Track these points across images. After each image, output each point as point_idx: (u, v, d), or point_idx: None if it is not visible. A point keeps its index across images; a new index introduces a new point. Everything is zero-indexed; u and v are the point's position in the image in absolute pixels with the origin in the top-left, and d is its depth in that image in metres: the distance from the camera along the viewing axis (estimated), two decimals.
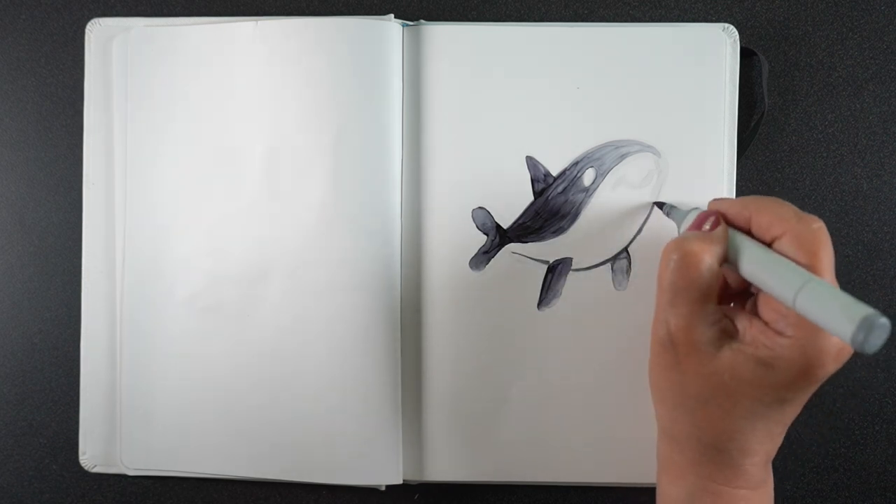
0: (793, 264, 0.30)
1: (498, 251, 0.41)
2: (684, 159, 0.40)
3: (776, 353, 0.30)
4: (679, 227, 0.37)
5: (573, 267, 0.41)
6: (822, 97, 0.43)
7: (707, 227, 0.33)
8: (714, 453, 0.32)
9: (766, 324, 0.31)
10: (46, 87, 0.44)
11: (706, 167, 0.40)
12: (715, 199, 0.35)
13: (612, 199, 0.41)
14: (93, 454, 0.43)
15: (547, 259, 0.41)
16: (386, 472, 0.40)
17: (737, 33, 0.41)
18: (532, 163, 0.41)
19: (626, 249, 0.41)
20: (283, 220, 0.40)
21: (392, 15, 0.41)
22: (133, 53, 0.42)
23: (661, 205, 0.40)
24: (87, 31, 0.42)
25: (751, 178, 0.43)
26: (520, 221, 0.41)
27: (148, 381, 0.41)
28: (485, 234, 0.41)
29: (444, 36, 0.41)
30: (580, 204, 0.41)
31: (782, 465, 0.43)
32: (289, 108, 0.40)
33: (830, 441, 0.43)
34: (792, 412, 0.32)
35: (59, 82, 0.44)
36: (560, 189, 0.41)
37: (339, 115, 0.40)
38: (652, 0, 0.43)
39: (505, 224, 0.41)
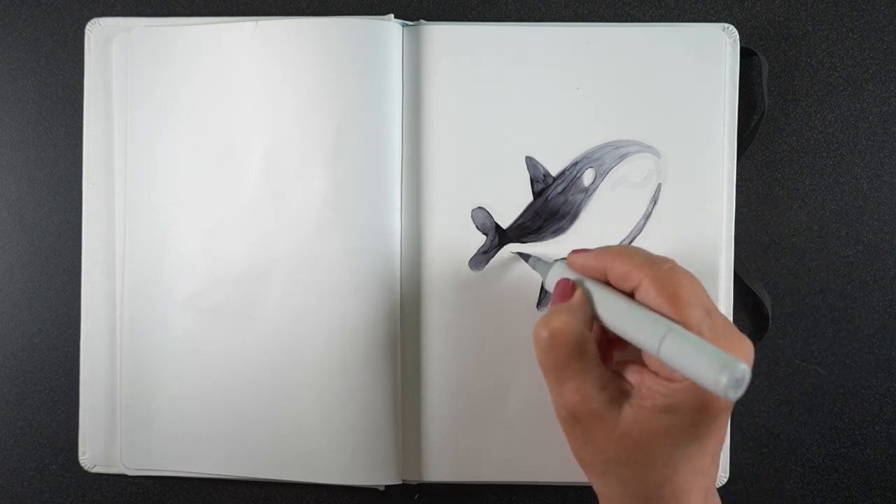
0: (651, 314, 0.30)
1: (497, 251, 0.41)
2: (684, 159, 0.40)
3: (673, 400, 0.29)
4: (543, 279, 0.37)
5: None
6: (822, 97, 0.43)
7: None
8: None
9: (655, 373, 0.30)
10: (46, 87, 0.44)
11: (706, 167, 0.40)
12: (574, 251, 0.35)
13: (611, 199, 0.41)
14: (93, 454, 0.43)
15: (547, 259, 0.41)
16: (386, 472, 0.40)
17: (737, 33, 0.41)
18: (532, 163, 0.41)
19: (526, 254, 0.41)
20: (283, 220, 0.40)
21: (392, 15, 0.41)
22: (133, 53, 0.42)
23: (525, 256, 0.40)
24: (87, 31, 0.42)
25: (751, 178, 0.43)
26: (519, 221, 0.41)
27: (148, 381, 0.41)
28: (484, 234, 0.41)
29: (444, 36, 0.41)
30: (580, 204, 0.41)
31: (782, 465, 0.43)
32: (289, 107, 0.40)
33: (830, 441, 0.43)
34: (714, 442, 0.31)
35: (59, 82, 0.44)
36: (560, 189, 0.41)
37: (338, 115, 0.40)
38: (652, 0, 0.43)
39: (504, 224, 0.41)
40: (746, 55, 0.41)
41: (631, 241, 0.41)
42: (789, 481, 0.43)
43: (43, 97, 0.44)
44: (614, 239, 0.41)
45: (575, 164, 0.41)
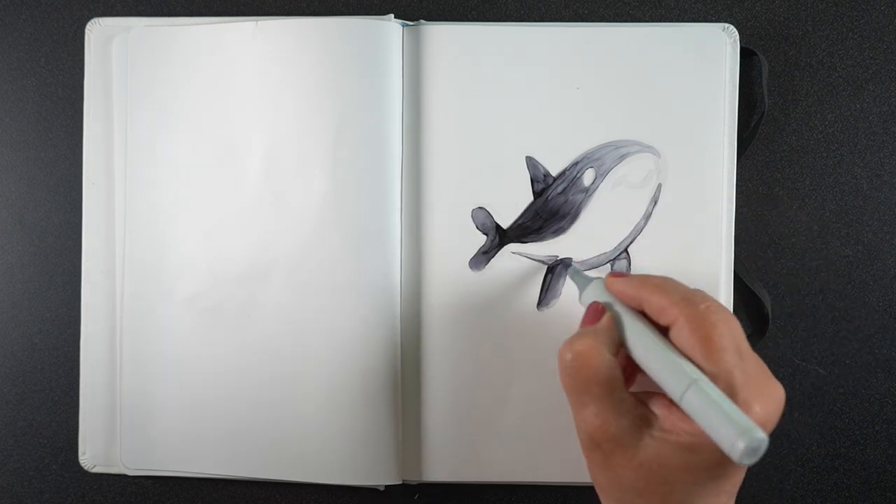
0: (679, 360, 0.29)
1: (498, 251, 0.41)
2: (684, 159, 0.40)
3: (698, 440, 0.29)
4: (580, 293, 0.37)
5: (573, 267, 0.41)
6: (822, 97, 0.43)
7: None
8: None
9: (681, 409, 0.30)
10: (46, 87, 0.44)
11: (706, 167, 0.40)
12: (611, 274, 0.34)
13: (611, 199, 0.41)
14: (93, 454, 0.43)
15: (547, 259, 0.41)
16: (386, 472, 0.40)
17: (737, 33, 0.41)
18: (532, 163, 0.41)
19: (626, 250, 0.41)
20: (283, 220, 0.40)
21: (392, 15, 0.41)
22: (133, 53, 0.42)
23: (565, 264, 0.40)
24: (87, 31, 0.42)
25: (751, 178, 0.43)
26: (519, 221, 0.41)
27: (148, 381, 0.41)
28: (484, 234, 0.41)
29: (444, 36, 0.41)
30: (580, 204, 0.41)
31: (782, 465, 0.43)
32: (289, 108, 0.40)
33: (830, 441, 0.43)
34: (731, 483, 0.31)
35: (59, 82, 0.44)
36: (560, 189, 0.41)
37: (338, 115, 0.40)
38: (652, 0, 0.43)
39: (505, 224, 0.41)
40: (746, 55, 0.41)
41: (631, 242, 0.41)
42: (789, 481, 0.43)
43: (43, 97, 0.44)
44: (614, 238, 0.41)
45: (575, 164, 0.41)
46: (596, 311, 0.33)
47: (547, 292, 0.41)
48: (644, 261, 0.40)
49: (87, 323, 0.42)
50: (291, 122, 0.40)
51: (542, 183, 0.41)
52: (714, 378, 0.28)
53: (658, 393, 0.31)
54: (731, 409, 0.27)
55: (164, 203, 0.41)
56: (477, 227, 0.41)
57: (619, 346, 0.32)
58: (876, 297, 0.42)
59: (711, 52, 0.40)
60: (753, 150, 0.43)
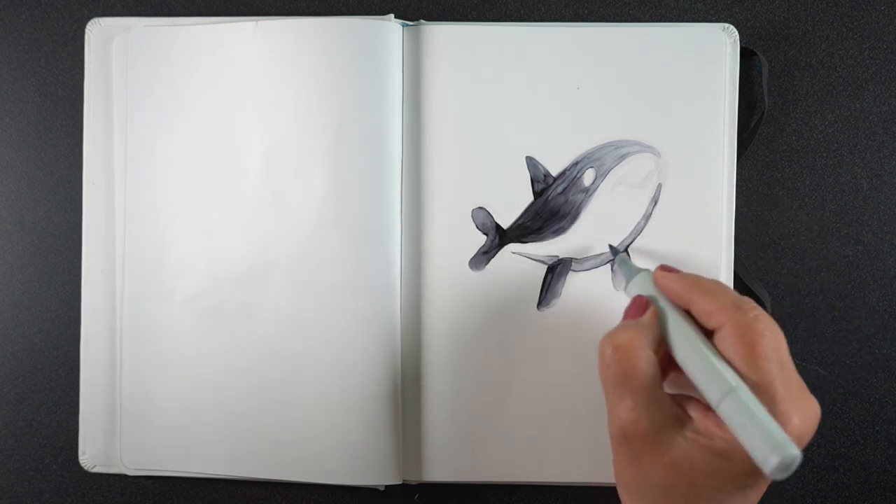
0: (720, 365, 0.29)
1: (498, 251, 0.41)
2: (684, 159, 0.40)
3: (731, 447, 0.29)
4: (625, 283, 0.36)
5: (573, 267, 0.41)
6: (822, 97, 0.43)
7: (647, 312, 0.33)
8: None
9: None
10: (46, 87, 0.44)
11: (706, 167, 0.40)
12: (661, 268, 0.34)
13: (611, 199, 0.41)
14: (93, 454, 0.43)
15: (547, 259, 0.41)
16: (386, 472, 0.40)
17: (737, 33, 0.41)
18: (532, 163, 0.41)
19: (626, 250, 0.41)
20: (283, 220, 0.40)
21: (392, 15, 0.41)
22: (133, 53, 0.42)
23: (614, 251, 0.40)
24: (87, 31, 0.42)
25: (751, 178, 0.43)
26: (520, 221, 0.41)
27: (148, 381, 0.41)
28: (485, 234, 0.41)
29: (444, 36, 0.41)
30: (580, 204, 0.41)
31: None
32: (289, 108, 0.40)
33: (830, 441, 0.43)
34: (756, 493, 0.31)
35: (59, 82, 0.44)
36: (560, 189, 0.41)
37: (338, 115, 0.40)
38: (652, 0, 0.43)
39: (505, 224, 0.41)
40: (746, 55, 0.41)
41: (631, 242, 0.41)
42: (789, 481, 0.43)
43: (43, 97, 0.44)
44: (614, 238, 0.41)
45: (575, 164, 0.41)
46: (640, 305, 0.33)
47: (547, 292, 0.41)
48: (644, 261, 0.40)
49: (87, 323, 0.42)
50: (291, 122, 0.40)
51: (542, 183, 0.41)
52: (755, 387, 0.28)
53: (690, 398, 0.32)
54: (768, 422, 0.27)
55: (164, 203, 0.41)
56: (477, 227, 0.41)
57: (660, 344, 0.32)
58: (876, 297, 0.42)
59: (711, 52, 0.40)
60: (753, 150, 0.43)
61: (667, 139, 0.40)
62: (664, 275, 0.33)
